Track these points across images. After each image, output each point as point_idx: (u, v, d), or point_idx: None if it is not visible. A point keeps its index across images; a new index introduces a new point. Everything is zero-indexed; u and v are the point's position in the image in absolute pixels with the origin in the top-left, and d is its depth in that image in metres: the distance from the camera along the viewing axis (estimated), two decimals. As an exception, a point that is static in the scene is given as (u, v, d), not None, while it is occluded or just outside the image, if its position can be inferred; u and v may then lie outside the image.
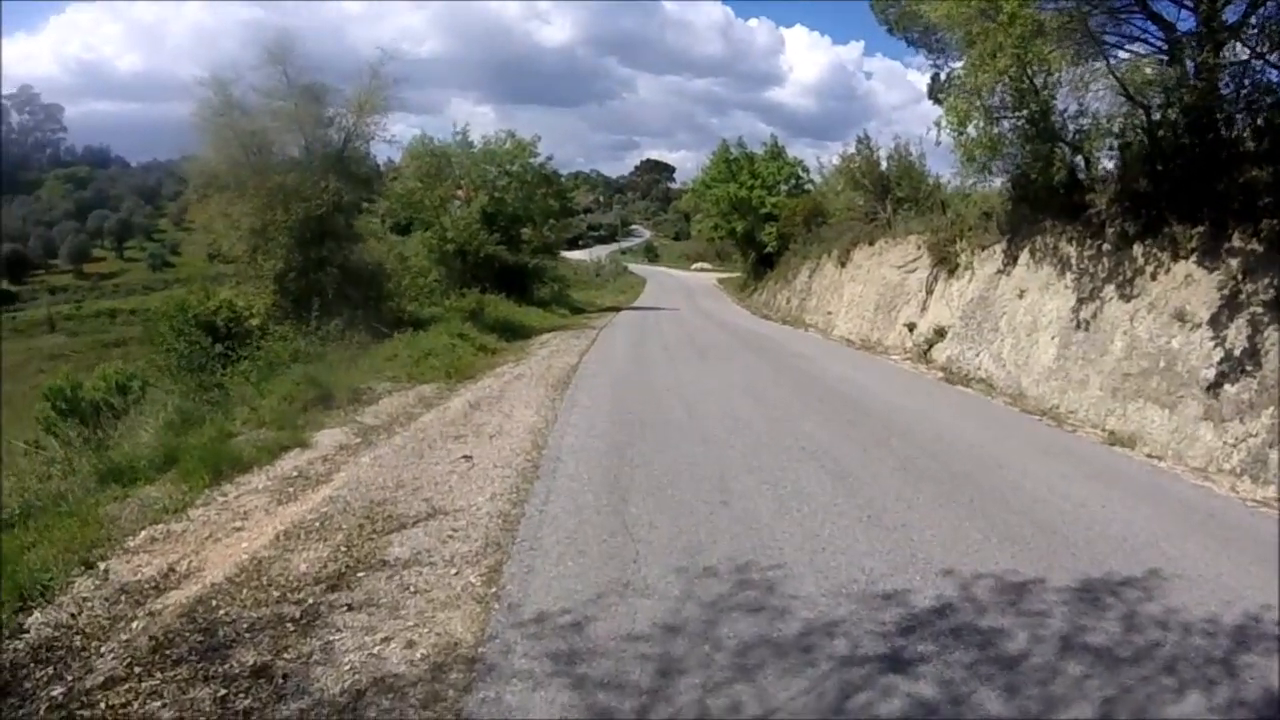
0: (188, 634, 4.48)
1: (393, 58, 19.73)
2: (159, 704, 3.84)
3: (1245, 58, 9.97)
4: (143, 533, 6.24)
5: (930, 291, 18.12)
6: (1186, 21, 10.79)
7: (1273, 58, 9.66)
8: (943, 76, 16.53)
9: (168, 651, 4.30)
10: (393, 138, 21.27)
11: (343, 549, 5.71)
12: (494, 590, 4.97)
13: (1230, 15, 10.03)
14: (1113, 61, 11.30)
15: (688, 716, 3.67)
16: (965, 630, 4.47)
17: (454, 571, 5.30)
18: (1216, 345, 9.04)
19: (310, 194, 17.31)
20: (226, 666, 4.13)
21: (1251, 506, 7.19)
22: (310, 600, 4.89)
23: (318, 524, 6.23)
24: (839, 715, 3.69)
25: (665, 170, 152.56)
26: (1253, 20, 9.79)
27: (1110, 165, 12.48)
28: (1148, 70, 11.30)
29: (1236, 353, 8.75)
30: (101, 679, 4.07)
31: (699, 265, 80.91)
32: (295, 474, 7.77)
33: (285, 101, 17.71)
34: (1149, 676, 4.04)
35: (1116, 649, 4.30)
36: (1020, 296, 13.71)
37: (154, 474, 7.77)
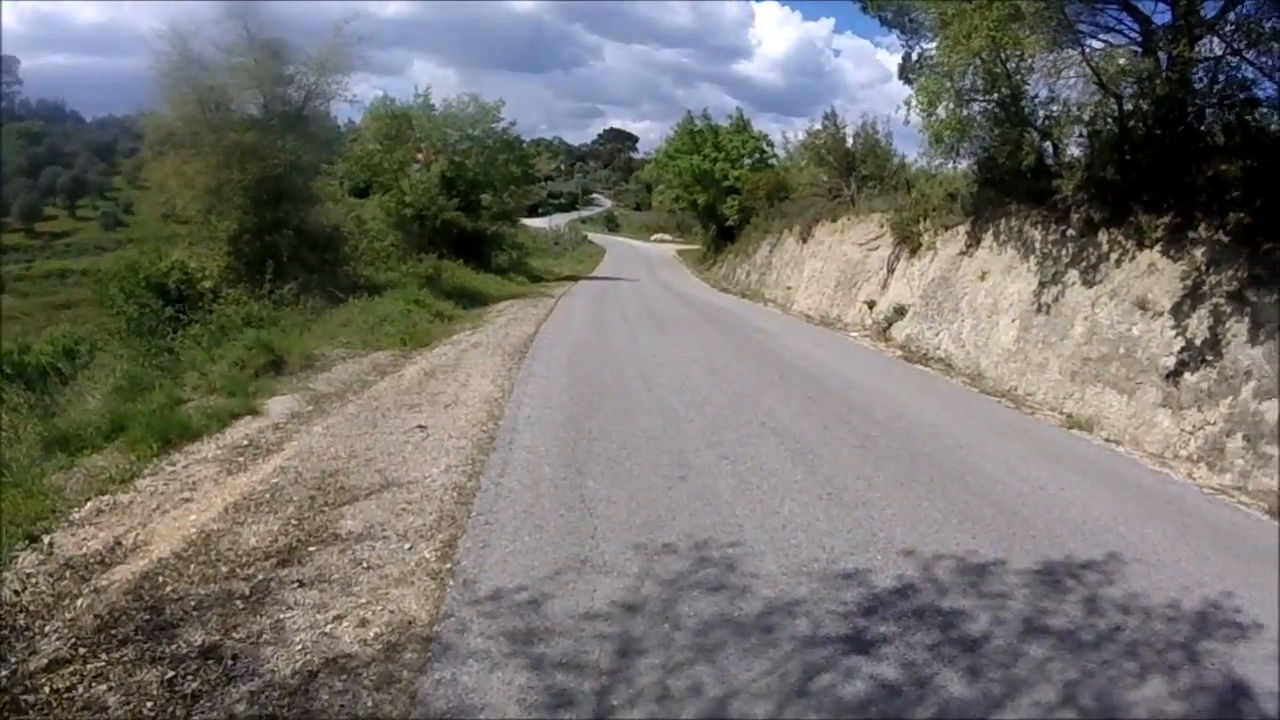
0: (134, 612, 4.30)
1: (357, 15, 19.28)
2: (105, 687, 3.67)
3: (1220, 53, 10.01)
4: (89, 504, 6.00)
5: (891, 270, 18.19)
6: (1163, 15, 10.82)
7: (1249, 54, 9.71)
8: (914, 56, 16.46)
9: (114, 631, 4.12)
10: (354, 98, 20.90)
11: (294, 522, 5.54)
12: (449, 566, 4.84)
13: (1208, 10, 10.06)
14: (1087, 50, 11.30)
15: (649, 698, 3.59)
16: (927, 611, 4.46)
17: (408, 546, 5.16)
18: (1177, 334, 9.13)
19: (268, 153, 16.85)
20: (174, 647, 3.96)
21: (1209, 494, 7.30)
22: (260, 576, 4.71)
23: (268, 496, 6.03)
24: (802, 697, 3.63)
25: (628, 140, 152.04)
26: (1230, 16, 9.82)
27: (1078, 152, 12.55)
28: (1121, 61, 11.32)
29: (1197, 342, 8.84)
30: (46, 661, 3.88)
31: (659, 236, 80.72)
32: (245, 443, 7.53)
33: (245, 58, 17.15)
34: (1110, 660, 4.04)
35: (1078, 632, 4.31)
36: (982, 278, 13.78)
37: (101, 442, 7.49)
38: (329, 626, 4.16)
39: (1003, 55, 11.29)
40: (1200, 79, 10.20)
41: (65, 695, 3.63)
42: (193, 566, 4.83)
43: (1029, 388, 11.27)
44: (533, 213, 58.79)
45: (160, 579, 4.67)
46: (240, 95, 17.64)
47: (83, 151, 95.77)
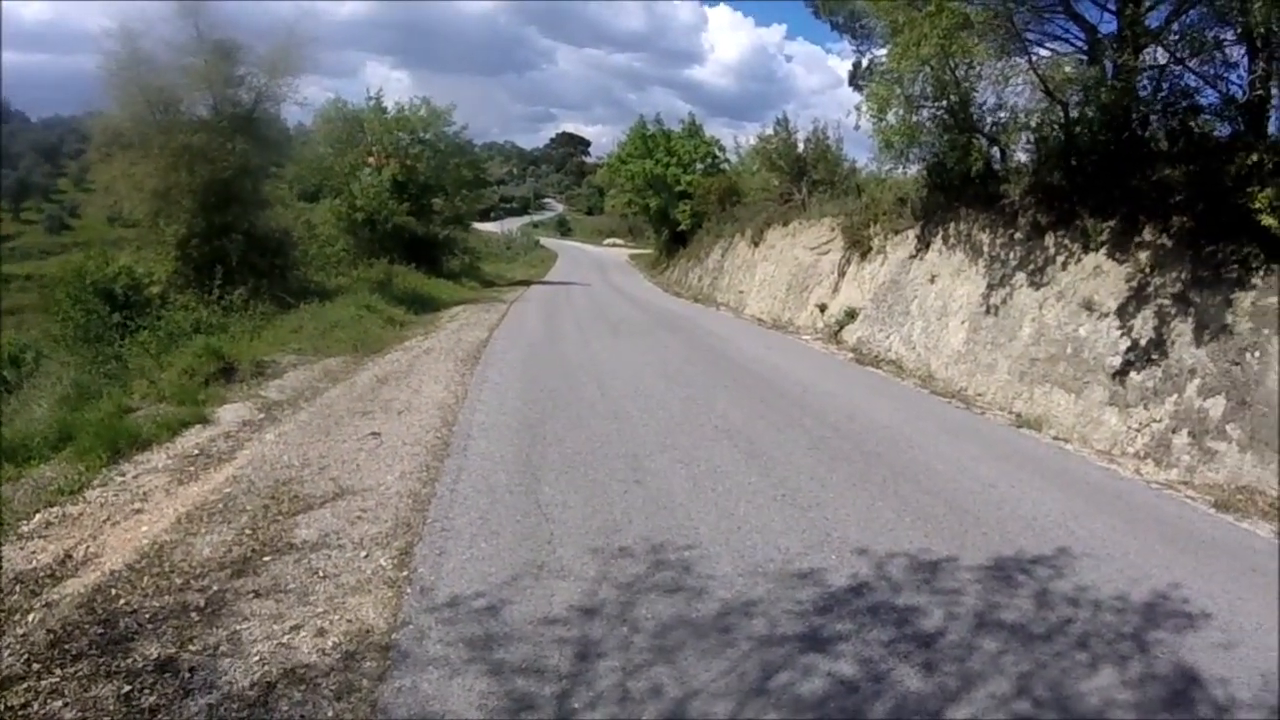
0: (87, 626, 4.22)
1: (309, 16, 19.04)
2: (60, 703, 3.59)
3: (1164, 62, 10.29)
4: (37, 516, 5.86)
5: (842, 274, 18.39)
6: (1109, 24, 11.09)
7: (1192, 63, 9.97)
8: (865, 63, 16.70)
9: (67, 646, 4.04)
10: (305, 100, 20.58)
11: (248, 532, 5.46)
12: (405, 574, 4.81)
13: (1152, 20, 10.33)
14: (1034, 58, 11.56)
15: (609, 700, 3.59)
16: (882, 608, 4.52)
17: (364, 554, 5.11)
18: (1123, 334, 9.38)
19: (217, 156, 16.57)
20: (129, 660, 3.89)
21: (1156, 489, 7.49)
22: (215, 587, 4.64)
23: (221, 505, 5.94)
24: (760, 695, 3.66)
25: (581, 144, 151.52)
26: (1174, 26, 10.08)
27: (1026, 158, 12.85)
28: (1068, 69, 11.59)
29: (1143, 342, 9.09)
30: (-2, 677, 3.79)
31: (611, 240, 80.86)
32: (197, 452, 7.41)
33: (195, 58, 16.83)
34: (1062, 652, 4.13)
35: (1030, 625, 4.41)
36: (932, 281, 13.99)
37: (49, 452, 7.32)
38: (286, 637, 4.10)
39: (952, 63, 11.49)
40: (1144, 87, 10.47)
41: (19, 713, 3.55)
42: (146, 579, 4.74)
43: (979, 388, 11.47)
44: (485, 217, 58.46)
45: (113, 592, 4.58)
46: (190, 96, 17.31)
47: (28, 152, 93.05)
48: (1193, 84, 10.15)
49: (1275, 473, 7.21)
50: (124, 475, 6.76)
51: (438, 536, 5.37)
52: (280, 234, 18.82)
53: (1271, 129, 9.43)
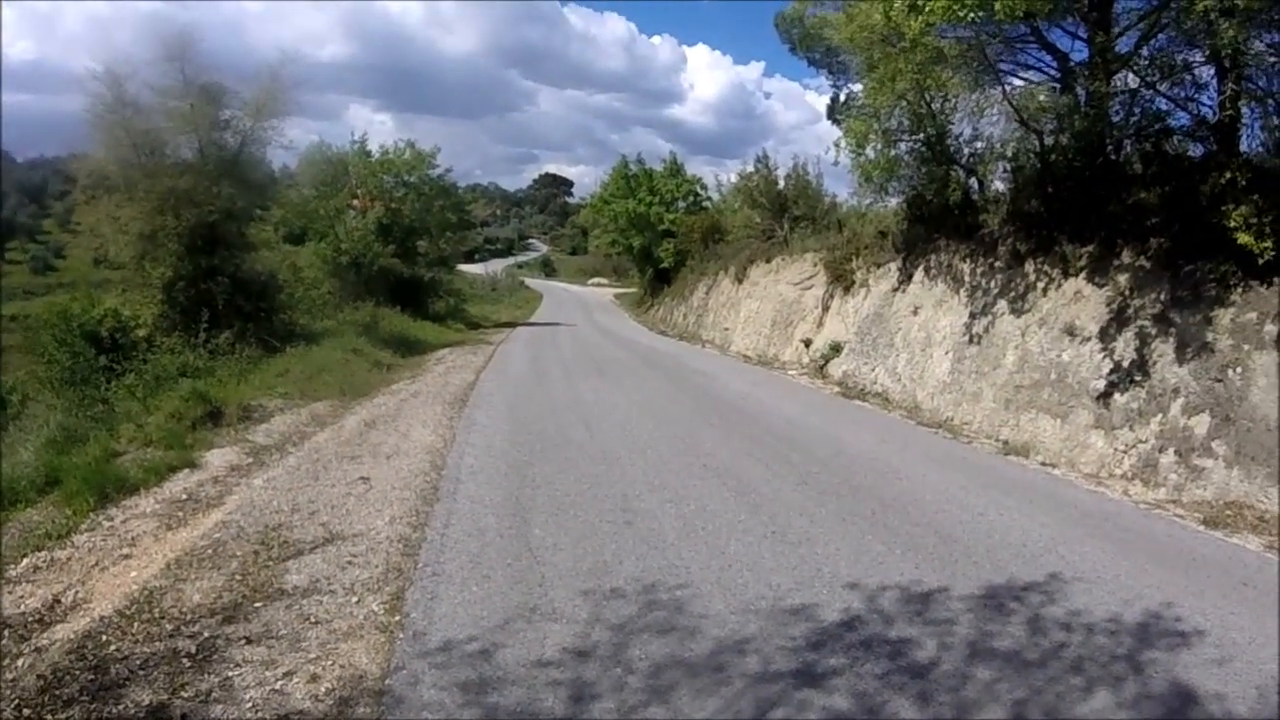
0: (77, 672, 4.18)
1: (293, 60, 19.10)
2: (51, 750, 3.56)
3: (1135, 86, 10.49)
4: (25, 560, 5.83)
5: (826, 308, 18.53)
6: (1080, 52, 11.35)
7: (1162, 87, 10.18)
8: (842, 98, 17.01)
9: (57, 692, 4.00)
10: (290, 143, 20.57)
11: (238, 578, 5.43)
12: (398, 618, 4.79)
13: (1122, 46, 10.54)
14: (1008, 89, 11.78)
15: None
16: (875, 641, 4.53)
17: (355, 599, 5.09)
18: (1106, 357, 9.48)
19: (203, 199, 16.52)
20: (121, 707, 3.86)
21: (1145, 509, 7.58)
22: (206, 633, 4.60)
23: (210, 551, 5.91)
24: (755, 735, 3.66)
25: (564, 184, 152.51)
26: (1144, 51, 10.30)
27: (1003, 187, 13.04)
28: (1041, 97, 11.79)
29: (1125, 364, 9.19)
30: (-13, 724, 3.76)
31: (596, 280, 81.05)
32: (185, 496, 7.38)
33: (181, 101, 16.83)
34: (1057, 677, 4.15)
35: (1023, 652, 4.42)
36: (915, 313, 14.11)
37: (35, 496, 7.28)
38: (279, 683, 4.07)
39: (927, 96, 11.70)
40: (1117, 112, 10.68)
41: (9, 761, 3.51)
42: (136, 625, 4.71)
43: (965, 417, 11.54)
44: (469, 258, 58.68)
45: (103, 638, 4.55)
46: (175, 139, 17.26)
47: (12, 192, 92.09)
48: (1164, 107, 10.40)
49: (1263, 487, 7.28)
50: (112, 520, 6.73)
51: (429, 580, 5.36)
52: (266, 277, 18.77)
53: (1243, 147, 9.63)
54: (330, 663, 4.28)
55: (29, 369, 14.91)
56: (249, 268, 17.93)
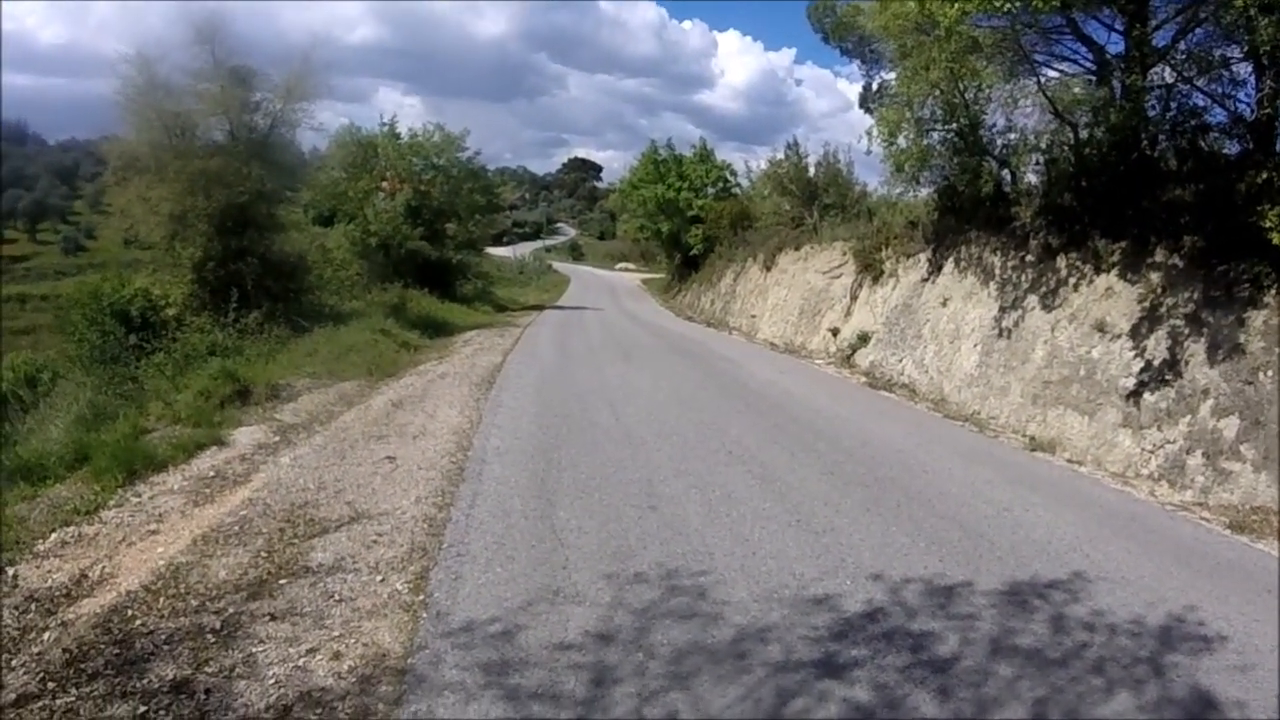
0: (103, 646, 4.23)
1: (323, 43, 19.20)
2: (76, 722, 3.62)
3: (1172, 81, 10.31)
4: (53, 535, 5.90)
5: (854, 297, 18.42)
6: (1116, 44, 11.16)
7: (1200, 82, 10.00)
8: (874, 86, 16.85)
9: (83, 665, 4.05)
10: (319, 125, 20.70)
11: (263, 555, 5.49)
12: (421, 598, 4.82)
13: (1159, 39, 10.38)
14: (1042, 80, 11.66)
15: (623, 727, 3.60)
16: (897, 634, 4.51)
17: (379, 578, 5.13)
18: (1136, 355, 9.36)
19: (233, 181, 16.68)
20: (145, 681, 3.90)
21: (1170, 510, 7.48)
22: (231, 609, 4.66)
23: (236, 528, 5.98)
24: (775, 723, 3.66)
25: (593, 169, 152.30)
26: (1181, 45, 10.13)
27: (1036, 180, 12.86)
28: (1076, 90, 11.65)
29: (1156, 363, 9.07)
30: (14, 695, 3.80)
31: (623, 265, 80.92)
32: (212, 474, 7.46)
33: (211, 84, 16.98)
34: (1078, 677, 4.11)
35: (1046, 650, 4.39)
36: (944, 304, 13.99)
37: (64, 472, 7.37)
38: (302, 660, 4.12)
39: (961, 86, 11.57)
40: (1153, 107, 10.49)
41: (36, 732, 3.56)
42: (161, 600, 4.77)
43: (992, 411, 11.44)
44: (497, 242, 58.80)
45: (129, 612, 4.60)
46: (206, 122, 17.45)
47: (44, 174, 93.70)
48: (1201, 103, 10.20)
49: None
50: (140, 496, 6.80)
51: (453, 561, 5.39)
52: (295, 258, 18.94)
53: (1280, 146, 9.44)
54: (353, 641, 4.32)
55: (60, 348, 15.10)
56: (278, 249, 18.09)
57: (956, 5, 9.19)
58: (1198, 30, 10.08)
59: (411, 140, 32.31)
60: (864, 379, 15.23)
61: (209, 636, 4.35)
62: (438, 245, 30.43)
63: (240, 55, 17.55)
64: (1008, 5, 8.90)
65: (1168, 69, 10.36)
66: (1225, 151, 10.03)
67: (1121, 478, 8.65)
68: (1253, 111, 9.44)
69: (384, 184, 30.37)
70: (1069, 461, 9.28)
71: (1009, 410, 11.14)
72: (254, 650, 4.21)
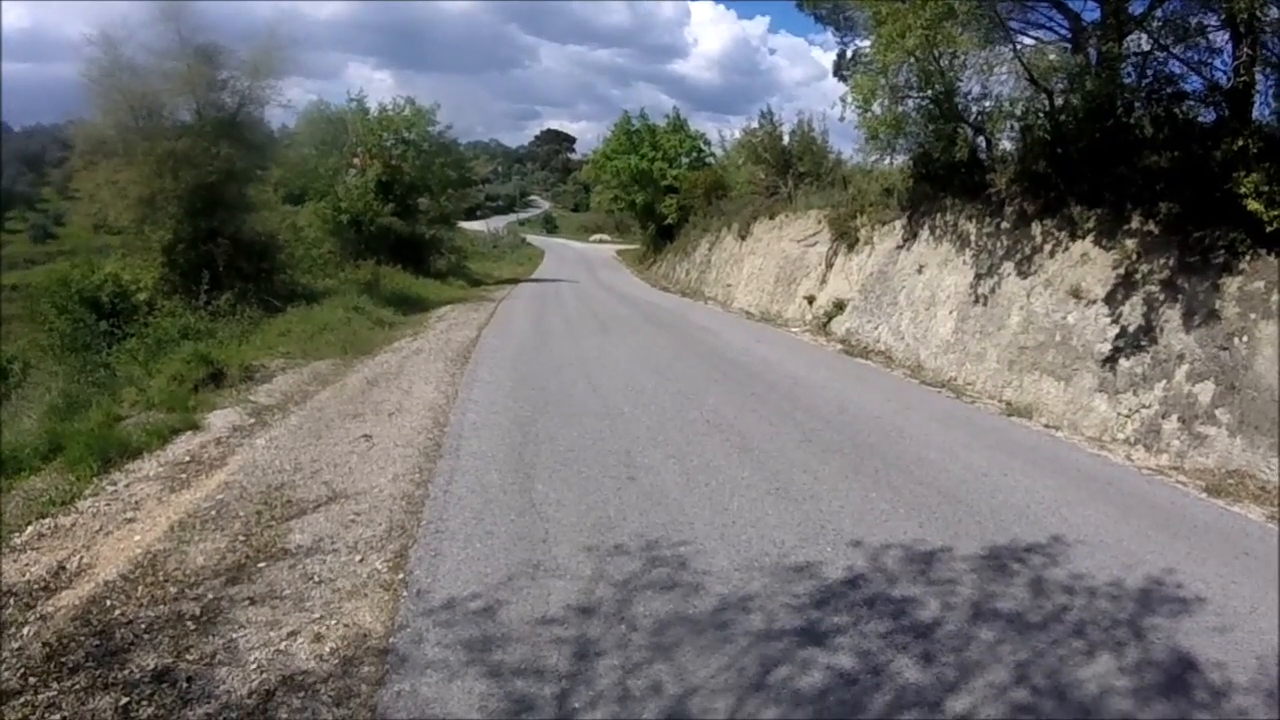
0: (83, 638, 4.18)
1: (290, 18, 18.87)
2: (58, 717, 3.56)
3: (1148, 49, 10.30)
4: (29, 528, 5.81)
5: (830, 265, 18.44)
6: (1092, 12, 11.18)
7: (1176, 50, 9.99)
8: (849, 54, 16.74)
9: (63, 659, 4.00)
10: (288, 103, 20.38)
11: (241, 538, 5.43)
12: (401, 577, 4.79)
13: (1136, 7, 10.38)
14: (1018, 47, 11.61)
15: (609, 699, 3.59)
16: (878, 600, 4.54)
17: (358, 558, 5.09)
18: (1111, 321, 9.42)
19: (201, 161, 16.40)
20: (126, 672, 3.86)
21: (1147, 474, 7.56)
22: (210, 595, 4.61)
23: (213, 512, 5.91)
24: (760, 690, 3.67)
25: (565, 141, 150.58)
26: (1157, 13, 10.11)
27: (1011, 147, 12.86)
28: (1052, 57, 11.63)
29: (1131, 329, 9.13)
30: (-5, 692, 3.76)
31: (598, 237, 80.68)
32: (188, 459, 7.36)
33: (177, 62, 16.61)
34: (1059, 640, 4.16)
35: (1026, 614, 4.43)
36: (919, 271, 14.03)
37: (39, 463, 7.26)
38: (283, 644, 4.09)
39: (936, 53, 11.51)
40: (1129, 74, 10.51)
41: (18, 728, 3.52)
42: (140, 589, 4.71)
43: (968, 377, 11.50)
44: (470, 216, 58.26)
45: (108, 603, 4.55)
46: (173, 101, 17.09)
47: (10, 161, 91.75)
48: (1177, 70, 10.18)
49: (1265, 456, 7.26)
50: (115, 484, 6.70)
51: (432, 538, 5.36)
52: (266, 237, 18.69)
53: (1256, 114, 9.46)
54: (334, 622, 4.29)
55: (30, 337, 14.89)
56: (249, 228, 17.86)
57: (932, -29, 9.12)
58: (1174, -2, 10.06)
59: (381, 115, 31.94)
60: (840, 347, 15.26)
61: (189, 624, 4.30)
62: (410, 221, 30.20)
63: (206, 32, 17.17)
64: (984, -30, 8.85)
65: (1144, 36, 10.34)
66: (1201, 119, 10.04)
67: (1098, 442, 8.72)
68: (1229, 79, 9.44)
69: (355, 160, 30.06)
70: (1046, 426, 9.34)
71: (985, 376, 11.19)
72: (234, 636, 4.18)
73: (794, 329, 18.06)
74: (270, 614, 4.40)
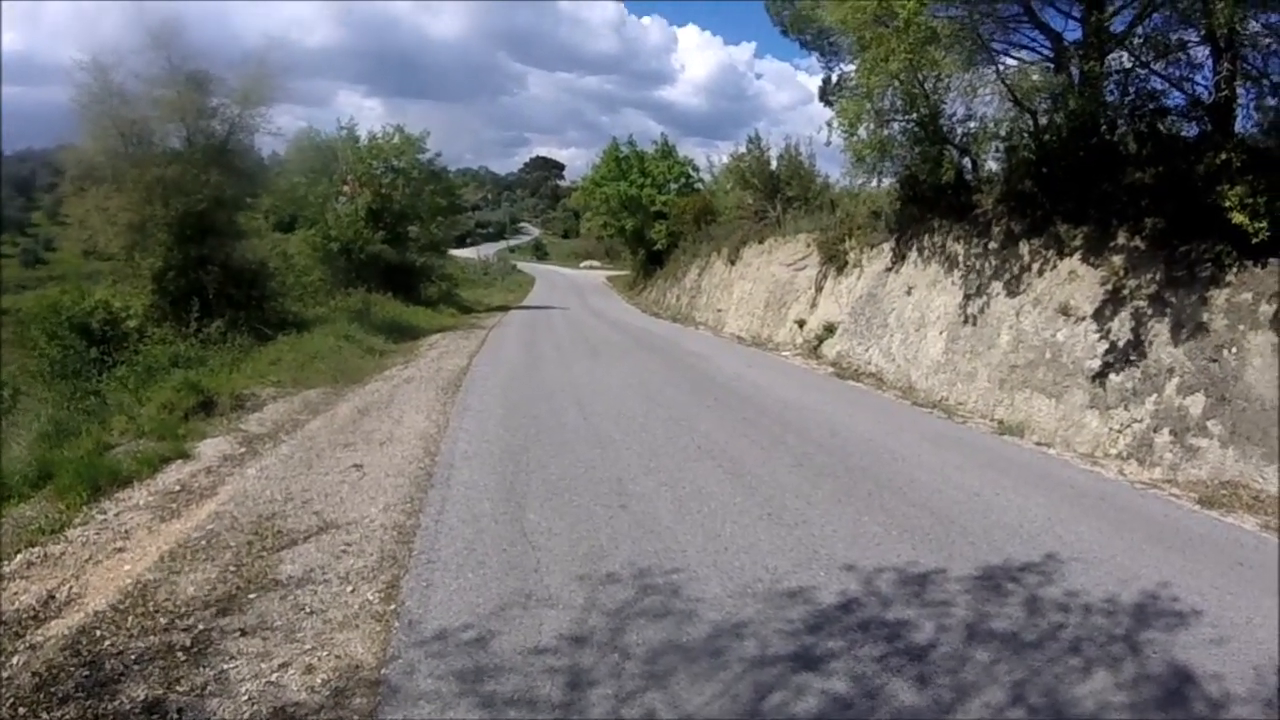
0: (72, 669, 4.14)
1: (280, 46, 18.94)
2: (49, 748, 3.53)
3: (1130, 66, 10.45)
4: (18, 556, 5.77)
5: (820, 289, 18.51)
6: (1074, 31, 11.32)
7: (1157, 66, 10.13)
8: (834, 79, 16.92)
9: (53, 689, 3.96)
10: (278, 130, 20.42)
11: (232, 569, 5.39)
12: (393, 607, 4.75)
13: (1116, 25, 10.50)
14: (1001, 68, 11.76)
15: (601, 730, 3.57)
16: (872, 624, 4.51)
17: (350, 589, 5.06)
18: (1101, 337, 9.48)
19: (191, 188, 16.41)
20: (116, 703, 3.82)
21: (1140, 488, 7.59)
22: (200, 626, 4.57)
23: (204, 542, 5.87)
24: (754, 717, 3.64)
25: (555, 167, 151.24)
26: (1138, 30, 10.26)
27: (997, 167, 13.00)
28: (1035, 77, 11.77)
29: (1121, 344, 9.19)
30: (-17, 724, 3.72)
31: (588, 263, 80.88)
32: (178, 488, 7.33)
33: (168, 89, 16.69)
34: (1055, 658, 4.15)
35: (1021, 633, 4.42)
36: (909, 293, 14.09)
37: (29, 491, 7.24)
38: (274, 675, 4.05)
39: (920, 76, 11.63)
40: (1111, 92, 10.65)
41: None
42: (130, 619, 4.67)
43: (960, 397, 11.53)
44: (461, 243, 58.46)
45: (98, 633, 4.50)
46: (163, 128, 17.16)
47: (1, 186, 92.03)
48: (1159, 86, 10.34)
49: (1258, 466, 7.29)
50: (105, 513, 6.67)
51: (424, 568, 5.32)
52: (257, 265, 18.68)
53: (1238, 128, 9.59)
54: (325, 653, 4.25)
55: (20, 363, 14.84)
56: (239, 256, 17.86)
57: (914, -4, 9.23)
58: (1154, 15, 10.22)
59: (371, 143, 32.08)
60: (831, 369, 15.29)
61: (179, 655, 4.26)
62: (400, 248, 30.31)
63: (196, 60, 17.24)
64: (966, -7, 8.96)
65: (1125, 54, 10.50)
66: (1184, 134, 10.19)
67: (1090, 458, 8.74)
68: (1210, 94, 9.58)
69: (344, 188, 30.14)
70: (1038, 444, 9.37)
71: (977, 395, 11.23)
72: (225, 667, 4.13)
73: (785, 353, 18.10)
74: (261, 645, 4.36)
